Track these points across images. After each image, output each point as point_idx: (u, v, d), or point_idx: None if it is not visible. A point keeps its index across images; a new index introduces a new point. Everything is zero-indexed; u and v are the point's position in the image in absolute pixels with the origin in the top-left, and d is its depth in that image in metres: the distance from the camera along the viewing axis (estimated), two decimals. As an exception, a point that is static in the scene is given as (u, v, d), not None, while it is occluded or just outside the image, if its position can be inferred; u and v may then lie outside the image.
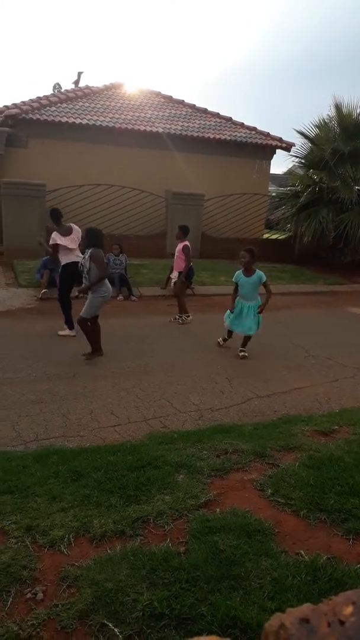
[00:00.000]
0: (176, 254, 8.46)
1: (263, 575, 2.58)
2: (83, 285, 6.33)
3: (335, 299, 11.06)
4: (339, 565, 2.70)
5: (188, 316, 8.36)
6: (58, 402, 5.05)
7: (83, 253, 8.24)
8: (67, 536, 2.84)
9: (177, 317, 8.35)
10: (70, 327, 7.38)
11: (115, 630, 2.22)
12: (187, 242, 8.31)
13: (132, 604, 2.35)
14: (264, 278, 6.64)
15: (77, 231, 7.92)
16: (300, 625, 0.45)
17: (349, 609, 0.46)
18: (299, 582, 2.53)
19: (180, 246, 8.35)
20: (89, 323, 6.22)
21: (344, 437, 4.28)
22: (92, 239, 6.13)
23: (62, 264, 7.41)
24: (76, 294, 7.09)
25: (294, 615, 0.46)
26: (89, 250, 6.06)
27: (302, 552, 2.79)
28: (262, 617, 2.28)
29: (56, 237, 7.22)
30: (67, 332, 7.40)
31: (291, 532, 2.99)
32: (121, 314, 8.78)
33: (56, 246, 7.27)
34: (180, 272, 8.39)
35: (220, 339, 7.17)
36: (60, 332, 7.42)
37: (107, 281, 6.25)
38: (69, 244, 7.47)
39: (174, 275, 8.83)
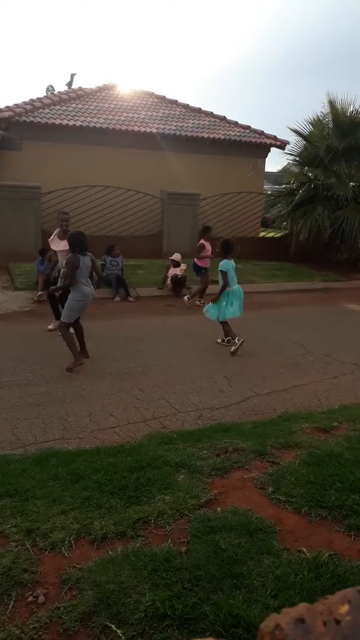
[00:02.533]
0: None
1: (265, 573, 2.57)
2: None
3: (332, 296, 11.06)
4: (341, 561, 2.69)
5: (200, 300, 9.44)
6: (56, 404, 5.03)
7: None
8: (67, 538, 2.84)
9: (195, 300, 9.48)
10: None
11: (118, 631, 2.21)
12: (201, 241, 9.46)
13: (134, 605, 2.34)
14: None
15: None
16: (295, 625, 0.44)
17: (344, 608, 0.46)
18: (301, 580, 2.52)
19: None
20: (70, 329, 6.13)
21: (343, 433, 4.28)
22: (70, 243, 6.07)
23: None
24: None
25: (289, 615, 0.45)
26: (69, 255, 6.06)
27: (304, 550, 2.78)
28: (265, 615, 2.25)
29: (53, 238, 7.69)
30: (53, 324, 7.75)
31: (292, 530, 2.98)
32: (118, 315, 8.77)
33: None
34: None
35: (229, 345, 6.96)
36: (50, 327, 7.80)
37: (83, 287, 6.03)
38: (54, 246, 7.94)
39: (171, 273, 9.74)
